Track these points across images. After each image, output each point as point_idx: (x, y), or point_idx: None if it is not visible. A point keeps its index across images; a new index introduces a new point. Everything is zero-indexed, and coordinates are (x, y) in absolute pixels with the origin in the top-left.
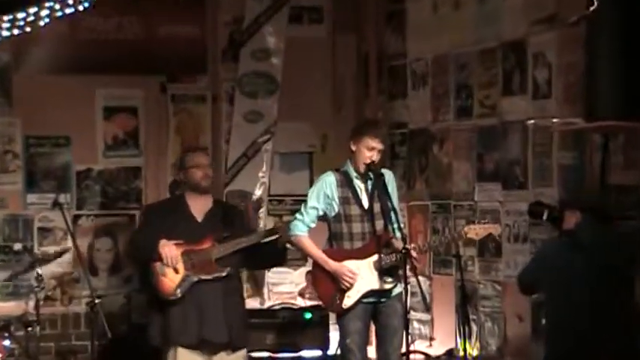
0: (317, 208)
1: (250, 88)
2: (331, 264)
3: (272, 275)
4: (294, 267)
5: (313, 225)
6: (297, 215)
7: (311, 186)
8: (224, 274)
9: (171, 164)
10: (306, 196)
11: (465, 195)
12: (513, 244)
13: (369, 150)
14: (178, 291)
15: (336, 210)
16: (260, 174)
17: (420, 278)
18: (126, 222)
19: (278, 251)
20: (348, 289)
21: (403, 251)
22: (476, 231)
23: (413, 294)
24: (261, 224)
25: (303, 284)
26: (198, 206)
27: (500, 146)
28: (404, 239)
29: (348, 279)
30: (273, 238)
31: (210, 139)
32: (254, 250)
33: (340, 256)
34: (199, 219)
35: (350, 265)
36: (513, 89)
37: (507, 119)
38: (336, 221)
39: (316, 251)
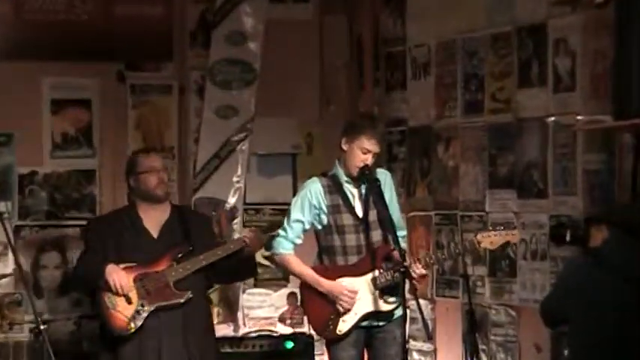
0: (302, 221)
1: (223, 78)
2: (325, 283)
3: (248, 298)
4: (274, 288)
5: (299, 241)
6: (280, 231)
7: (294, 194)
8: (182, 300)
9: None
10: (288, 204)
11: (474, 204)
12: (531, 262)
13: (364, 152)
14: (132, 325)
15: (326, 221)
16: (234, 179)
17: (422, 301)
18: (77, 234)
19: (246, 261)
20: (347, 311)
21: (402, 269)
22: (491, 239)
23: (413, 320)
24: (236, 236)
25: (285, 308)
26: (153, 218)
27: (516, 147)
28: (402, 255)
29: (347, 299)
30: (240, 247)
31: (177, 138)
32: (218, 265)
33: (334, 273)
34: (155, 234)
35: (346, 283)
36: (531, 81)
37: (524, 116)
38: (327, 233)
39: (305, 270)
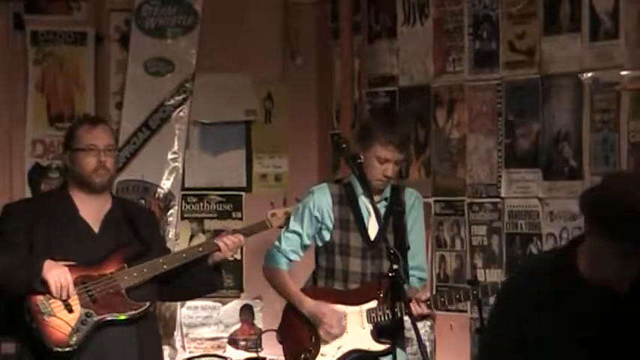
0: (300, 235)
1: (154, 23)
2: (308, 303)
3: (188, 313)
4: (223, 299)
5: (295, 257)
6: (275, 242)
7: (248, 175)
8: (140, 312)
9: (32, 140)
10: (240, 190)
11: (485, 188)
12: None
13: (381, 162)
14: (74, 339)
15: (328, 237)
16: (170, 155)
17: None
18: None
19: (211, 270)
20: (325, 342)
21: (390, 274)
22: None
23: (406, 341)
24: (171, 232)
25: (237, 326)
26: (92, 208)
27: (541, 113)
28: (391, 255)
29: (332, 324)
30: (208, 252)
31: (93, 102)
32: (179, 272)
33: (325, 297)
34: (95, 228)
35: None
36: (560, 25)
37: (551, 71)
38: (328, 252)
39: (289, 286)
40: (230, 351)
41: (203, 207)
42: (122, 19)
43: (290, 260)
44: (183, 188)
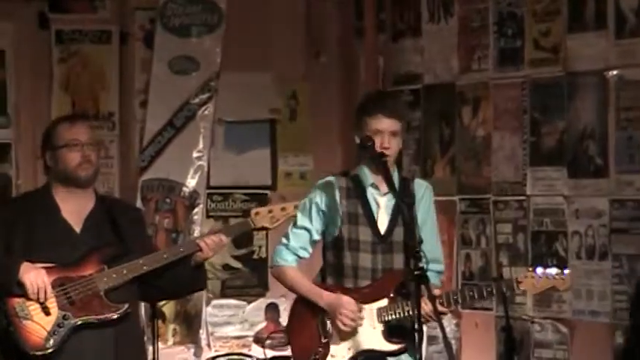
0: (309, 230)
1: (180, 21)
2: (327, 295)
3: (213, 311)
4: (248, 298)
5: (305, 253)
6: (282, 239)
7: (273, 173)
8: (116, 314)
9: None
10: (265, 188)
11: (511, 186)
12: (586, 263)
13: (374, 134)
14: (51, 342)
15: (337, 232)
16: (195, 154)
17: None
18: None
19: (195, 270)
20: (335, 342)
21: (416, 272)
22: (534, 281)
23: (432, 339)
24: (196, 231)
25: (262, 324)
26: (74, 208)
27: (566, 111)
28: (416, 253)
29: (350, 317)
30: (192, 252)
31: (117, 101)
32: (160, 273)
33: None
34: (77, 228)
35: None
36: (586, 22)
37: (576, 69)
38: (336, 248)
39: (302, 280)
40: (255, 349)
41: (228, 205)
42: (147, 18)
43: (299, 257)
44: (209, 187)
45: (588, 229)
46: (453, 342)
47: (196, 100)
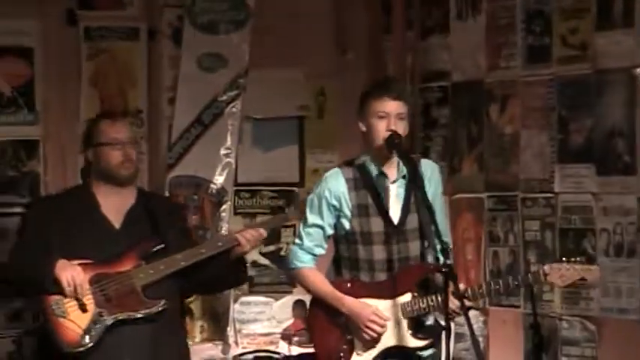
0: (322, 227)
1: (208, 18)
2: (349, 301)
3: (241, 308)
4: (276, 295)
5: (321, 251)
6: (296, 240)
7: (301, 170)
8: (153, 310)
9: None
10: (293, 185)
11: (539, 183)
12: (615, 260)
13: (381, 118)
14: (87, 338)
15: (348, 225)
16: (222, 151)
17: (471, 312)
18: (14, 224)
19: (234, 265)
20: (366, 342)
21: (444, 269)
22: (561, 273)
23: (459, 337)
24: (224, 228)
25: (290, 321)
26: (115, 204)
27: (594, 108)
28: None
29: (376, 327)
30: (230, 247)
31: (146, 98)
32: (199, 268)
33: (354, 292)
34: (116, 224)
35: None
36: (613, 20)
37: (604, 66)
38: (349, 242)
39: (326, 286)
40: (283, 346)
41: (256, 202)
42: (175, 15)
43: (316, 256)
44: (236, 184)
45: (616, 226)
46: (480, 339)
47: (224, 97)
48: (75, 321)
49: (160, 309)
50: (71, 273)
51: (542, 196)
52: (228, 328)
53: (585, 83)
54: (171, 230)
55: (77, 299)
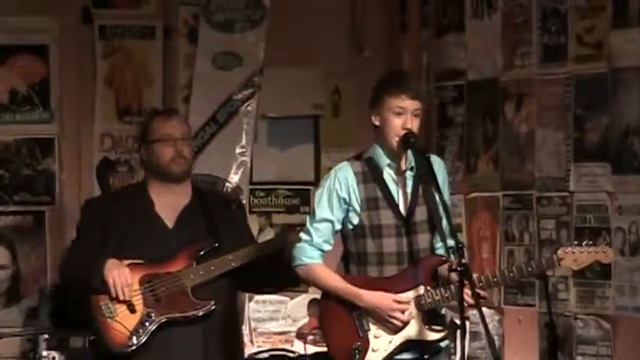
0: (330, 221)
1: (223, 17)
2: (367, 295)
3: (256, 307)
4: (291, 293)
5: (328, 247)
6: (302, 235)
7: (316, 169)
8: (203, 312)
9: (100, 134)
10: (308, 184)
11: (554, 182)
12: (630, 259)
13: (397, 114)
14: (134, 339)
15: (357, 219)
16: (238, 149)
17: (485, 310)
18: (30, 224)
19: (286, 266)
20: (377, 336)
21: (459, 268)
22: (575, 256)
23: (474, 335)
24: None
25: (305, 320)
26: (169, 202)
27: (610, 107)
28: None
29: (399, 315)
30: (282, 247)
31: (161, 96)
32: (251, 267)
33: (365, 287)
34: (169, 223)
35: None
36: (630, 18)
37: (620, 65)
38: (357, 236)
39: (337, 280)
40: (298, 345)
41: (271, 201)
42: (190, 13)
43: (324, 252)
44: (251, 182)
45: (632, 225)
46: (495, 338)
47: (239, 96)
48: (122, 322)
49: (209, 310)
50: (118, 273)
51: (557, 195)
52: (244, 327)
53: (601, 82)
54: (225, 229)
55: (124, 300)
